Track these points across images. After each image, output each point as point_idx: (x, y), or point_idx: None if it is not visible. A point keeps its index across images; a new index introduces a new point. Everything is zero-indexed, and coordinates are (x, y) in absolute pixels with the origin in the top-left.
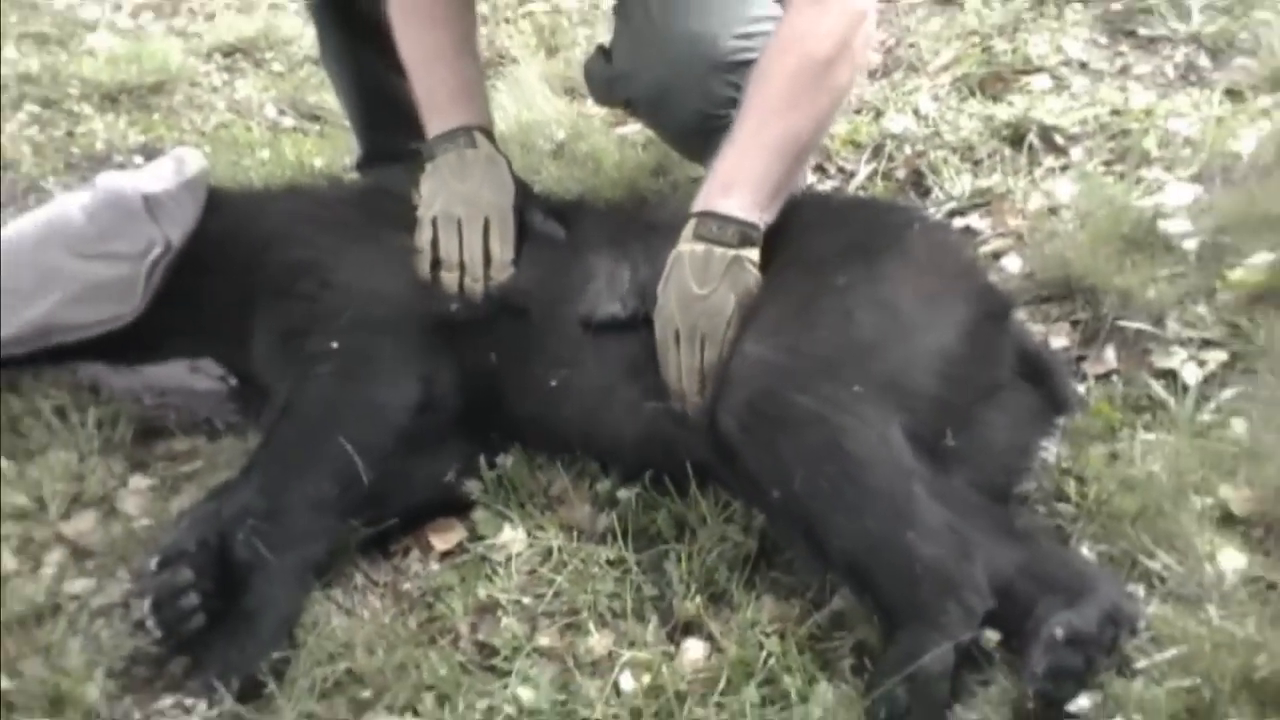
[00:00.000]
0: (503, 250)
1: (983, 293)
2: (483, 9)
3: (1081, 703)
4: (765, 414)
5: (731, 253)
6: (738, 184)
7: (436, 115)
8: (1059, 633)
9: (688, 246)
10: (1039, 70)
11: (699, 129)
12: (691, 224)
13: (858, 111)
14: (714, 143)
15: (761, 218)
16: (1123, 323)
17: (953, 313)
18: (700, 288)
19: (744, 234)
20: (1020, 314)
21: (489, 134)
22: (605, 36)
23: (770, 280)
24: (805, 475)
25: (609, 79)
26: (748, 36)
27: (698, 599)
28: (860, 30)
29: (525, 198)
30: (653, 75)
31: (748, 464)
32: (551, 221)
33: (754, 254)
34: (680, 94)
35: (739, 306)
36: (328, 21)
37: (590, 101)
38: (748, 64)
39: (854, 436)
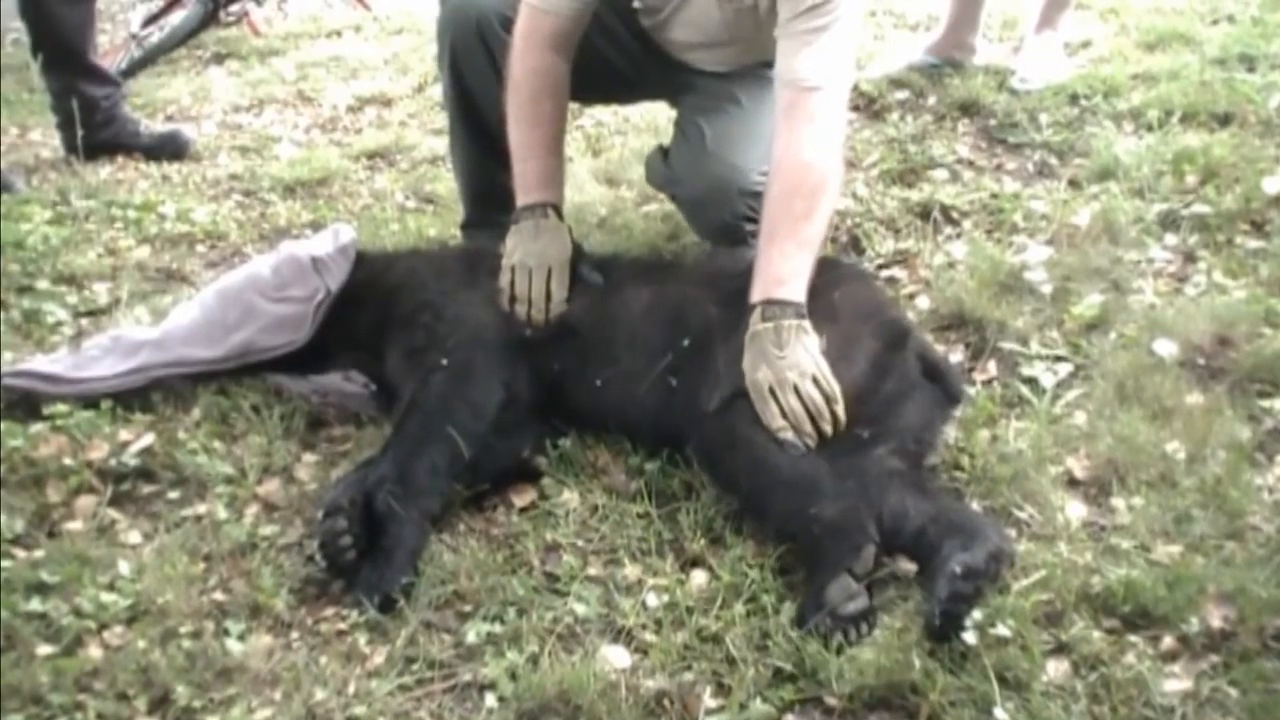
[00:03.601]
0: (559, 291)
1: (887, 326)
2: None
3: (973, 615)
4: (720, 444)
5: (795, 323)
6: (785, 277)
7: (524, 193)
8: (957, 569)
9: (760, 326)
10: (939, 166)
11: (722, 231)
12: (758, 311)
13: None
14: (729, 237)
15: (803, 296)
16: (999, 344)
17: (862, 348)
18: (779, 351)
19: (798, 310)
20: (928, 338)
21: (558, 210)
22: (636, 144)
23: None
24: (747, 481)
25: (666, 177)
26: (766, 173)
27: (701, 541)
28: (841, 147)
29: (579, 254)
30: (698, 189)
31: (717, 479)
32: (596, 272)
33: (807, 322)
34: (715, 207)
35: (816, 354)
36: (459, 127)
37: (624, 188)
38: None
39: (772, 457)
